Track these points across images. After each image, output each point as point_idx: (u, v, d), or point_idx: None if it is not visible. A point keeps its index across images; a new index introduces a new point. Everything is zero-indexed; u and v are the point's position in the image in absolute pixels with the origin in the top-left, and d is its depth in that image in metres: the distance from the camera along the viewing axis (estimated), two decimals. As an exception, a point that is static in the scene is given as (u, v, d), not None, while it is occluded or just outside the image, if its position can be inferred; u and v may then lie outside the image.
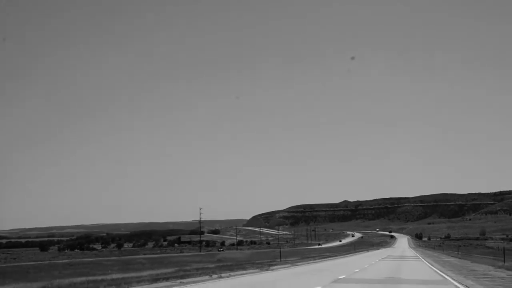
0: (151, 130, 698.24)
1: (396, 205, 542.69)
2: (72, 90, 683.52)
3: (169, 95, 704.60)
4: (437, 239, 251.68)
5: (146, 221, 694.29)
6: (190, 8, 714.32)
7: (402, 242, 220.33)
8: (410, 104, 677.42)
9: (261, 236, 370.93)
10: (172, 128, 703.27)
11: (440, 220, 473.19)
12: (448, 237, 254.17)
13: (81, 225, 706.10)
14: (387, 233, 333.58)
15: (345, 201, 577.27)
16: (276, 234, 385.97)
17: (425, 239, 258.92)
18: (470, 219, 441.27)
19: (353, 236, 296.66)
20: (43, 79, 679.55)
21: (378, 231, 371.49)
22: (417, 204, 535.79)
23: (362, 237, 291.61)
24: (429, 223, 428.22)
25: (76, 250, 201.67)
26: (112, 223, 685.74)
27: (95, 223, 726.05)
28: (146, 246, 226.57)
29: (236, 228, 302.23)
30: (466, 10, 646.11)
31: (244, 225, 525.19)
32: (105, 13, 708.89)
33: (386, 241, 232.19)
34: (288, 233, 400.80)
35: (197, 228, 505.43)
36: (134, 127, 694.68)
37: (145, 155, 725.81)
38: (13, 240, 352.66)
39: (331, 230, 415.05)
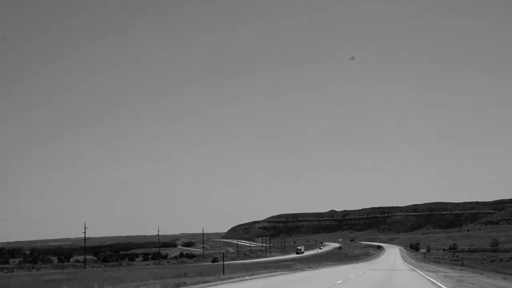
0: (132, 142, 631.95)
1: (386, 215, 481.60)
2: (67, 96, 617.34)
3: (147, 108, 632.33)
4: (439, 251, 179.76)
5: (134, 234, 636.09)
6: (189, 10, 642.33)
7: (392, 254, 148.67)
8: (404, 109, 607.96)
9: (230, 249, 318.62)
10: (154, 139, 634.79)
11: (435, 230, 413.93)
12: (453, 248, 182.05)
13: (67, 238, 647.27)
14: (372, 243, 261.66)
15: (331, 210, 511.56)
16: (254, 246, 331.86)
17: (422, 250, 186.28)
18: (468, 230, 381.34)
19: (320, 249, 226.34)
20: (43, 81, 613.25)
21: (340, 241, 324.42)
22: (409, 214, 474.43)
23: (340, 247, 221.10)
24: (423, 234, 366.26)
25: None
26: (100, 237, 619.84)
27: (81, 236, 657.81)
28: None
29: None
30: (471, 11, 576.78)
31: (222, 237, 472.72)
32: (106, 14, 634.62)
33: (369, 253, 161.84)
34: (264, 244, 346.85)
35: (172, 241, 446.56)
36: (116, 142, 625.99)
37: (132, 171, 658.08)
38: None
39: (315, 241, 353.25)
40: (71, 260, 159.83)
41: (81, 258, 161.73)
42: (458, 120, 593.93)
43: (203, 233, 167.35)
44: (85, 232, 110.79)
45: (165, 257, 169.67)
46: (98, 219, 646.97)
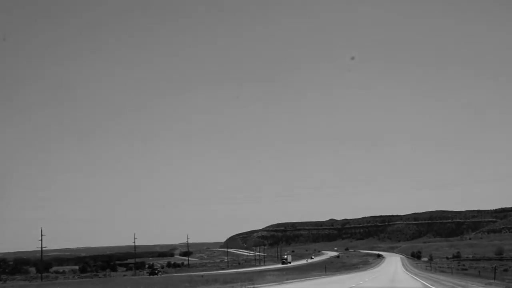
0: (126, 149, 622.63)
1: (387, 223, 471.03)
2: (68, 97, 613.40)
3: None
4: (442, 259, 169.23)
5: (137, 243, 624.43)
6: (188, 11, 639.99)
7: (392, 263, 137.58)
8: (405, 115, 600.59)
9: (226, 258, 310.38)
10: (149, 145, 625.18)
11: (436, 239, 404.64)
12: (457, 257, 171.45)
13: (66, 248, 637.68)
14: (372, 252, 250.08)
15: (331, 219, 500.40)
16: (251, 255, 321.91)
17: (424, 259, 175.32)
18: (470, 238, 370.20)
19: (312, 258, 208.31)
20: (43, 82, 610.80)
21: (336, 249, 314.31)
22: (410, 222, 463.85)
23: (338, 256, 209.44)
24: (424, 242, 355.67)
25: None
26: (102, 246, 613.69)
27: (82, 246, 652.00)
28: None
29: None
30: (471, 12, 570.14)
31: (221, 246, 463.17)
32: (107, 15, 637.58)
33: (368, 261, 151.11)
34: (261, 254, 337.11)
35: (170, 250, 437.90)
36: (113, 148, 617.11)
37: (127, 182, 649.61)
38: None
39: (314, 250, 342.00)
40: (51, 270, 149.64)
41: (61, 269, 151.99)
42: (459, 126, 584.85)
43: (187, 243, 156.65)
44: (41, 240, 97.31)
45: (152, 267, 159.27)
46: (99, 229, 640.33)
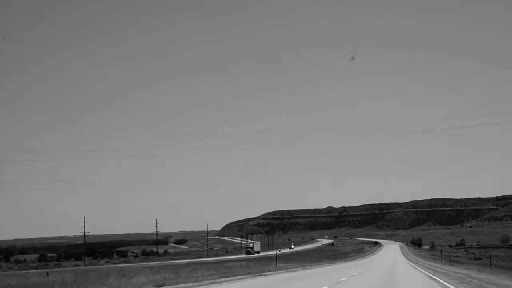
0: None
1: (385, 211, 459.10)
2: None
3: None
4: (444, 247, 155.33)
5: (133, 232, 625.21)
6: (187, 10, 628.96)
7: (390, 251, 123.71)
8: (404, 104, 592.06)
9: (219, 246, 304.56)
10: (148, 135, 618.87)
11: (435, 227, 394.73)
12: (461, 245, 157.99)
13: (64, 236, 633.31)
14: (369, 239, 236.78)
15: (329, 207, 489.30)
16: (244, 243, 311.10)
17: (426, 247, 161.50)
18: (471, 226, 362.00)
19: (291, 248, 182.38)
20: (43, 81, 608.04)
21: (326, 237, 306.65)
22: (409, 210, 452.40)
23: (332, 243, 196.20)
24: (423, 230, 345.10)
25: None
26: (99, 234, 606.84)
27: (79, 234, 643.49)
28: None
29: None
30: (470, 10, 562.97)
31: (217, 234, 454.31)
32: (106, 12, 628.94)
33: (363, 249, 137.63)
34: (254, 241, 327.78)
35: (165, 238, 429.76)
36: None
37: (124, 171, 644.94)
38: None
39: (311, 237, 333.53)
40: (12, 259, 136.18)
41: (22, 257, 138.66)
42: (458, 115, 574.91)
43: (156, 233, 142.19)
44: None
45: (125, 255, 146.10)
46: (99, 217, 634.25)
